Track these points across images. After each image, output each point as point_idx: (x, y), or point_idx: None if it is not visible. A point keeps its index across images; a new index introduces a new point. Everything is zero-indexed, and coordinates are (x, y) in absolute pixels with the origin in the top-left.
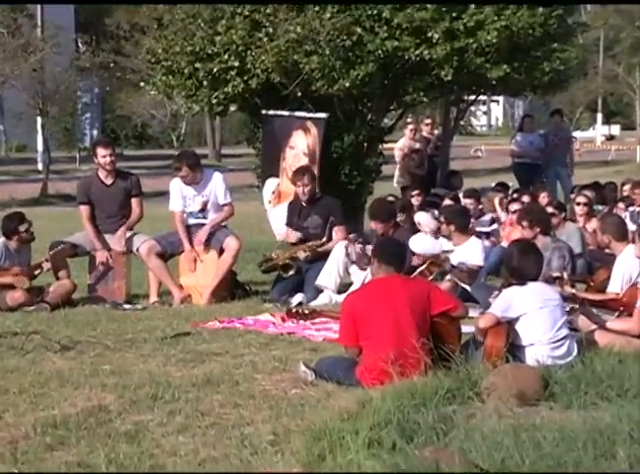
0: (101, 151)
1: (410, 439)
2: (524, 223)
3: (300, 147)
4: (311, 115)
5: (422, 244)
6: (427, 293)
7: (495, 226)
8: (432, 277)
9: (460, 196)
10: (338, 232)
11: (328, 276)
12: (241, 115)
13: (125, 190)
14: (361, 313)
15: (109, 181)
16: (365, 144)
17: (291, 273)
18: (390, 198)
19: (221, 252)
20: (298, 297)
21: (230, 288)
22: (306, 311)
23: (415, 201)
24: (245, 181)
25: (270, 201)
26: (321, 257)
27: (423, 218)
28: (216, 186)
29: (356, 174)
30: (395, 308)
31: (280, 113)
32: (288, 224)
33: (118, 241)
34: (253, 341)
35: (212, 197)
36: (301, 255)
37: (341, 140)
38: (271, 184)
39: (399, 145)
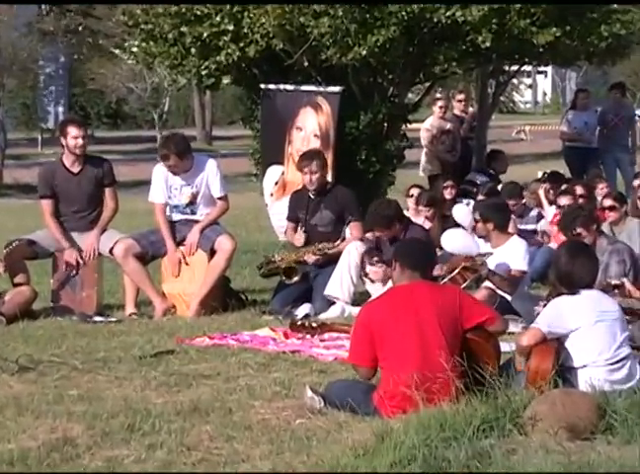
0: (72, 131)
1: None
2: (579, 230)
3: (310, 128)
4: (322, 88)
5: (455, 241)
6: (458, 303)
7: (543, 223)
8: (465, 285)
9: (500, 188)
10: (353, 230)
11: (339, 285)
12: (236, 89)
13: (96, 178)
14: (380, 326)
15: (76, 168)
16: (386, 124)
17: (296, 278)
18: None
19: (212, 254)
20: (305, 308)
21: (222, 297)
22: (314, 325)
23: (448, 195)
24: (240, 168)
25: (272, 194)
26: (333, 260)
27: (460, 213)
28: (209, 175)
29: (374, 160)
30: (420, 321)
31: (283, 86)
32: (290, 219)
33: (91, 248)
34: (249, 361)
35: (204, 188)
36: (310, 258)
37: (356, 120)
38: (273, 173)
39: (426, 125)
